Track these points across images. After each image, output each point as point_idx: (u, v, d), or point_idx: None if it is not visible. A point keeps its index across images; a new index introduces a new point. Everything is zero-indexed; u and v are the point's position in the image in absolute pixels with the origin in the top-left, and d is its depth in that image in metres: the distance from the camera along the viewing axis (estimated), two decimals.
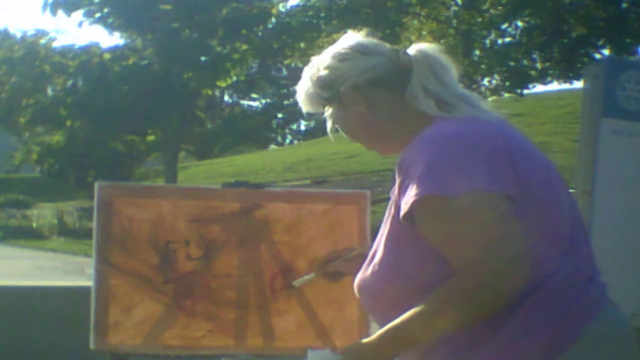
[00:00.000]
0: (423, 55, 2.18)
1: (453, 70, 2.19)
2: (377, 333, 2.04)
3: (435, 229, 1.94)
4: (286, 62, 33.61)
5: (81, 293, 3.99)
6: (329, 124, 2.30)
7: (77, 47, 27.20)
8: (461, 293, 1.89)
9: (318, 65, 2.23)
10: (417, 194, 1.94)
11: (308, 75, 2.25)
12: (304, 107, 2.30)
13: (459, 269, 1.89)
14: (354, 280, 2.23)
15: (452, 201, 1.91)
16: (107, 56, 26.17)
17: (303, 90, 2.26)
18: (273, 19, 27.02)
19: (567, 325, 1.96)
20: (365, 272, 2.17)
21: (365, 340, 2.05)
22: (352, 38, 2.23)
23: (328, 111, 2.28)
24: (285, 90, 55.59)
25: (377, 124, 2.19)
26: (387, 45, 2.24)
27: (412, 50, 2.20)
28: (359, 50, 2.19)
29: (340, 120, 2.26)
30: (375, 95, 2.17)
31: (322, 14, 25.09)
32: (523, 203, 1.96)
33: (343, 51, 2.20)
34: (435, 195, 1.92)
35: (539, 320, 1.94)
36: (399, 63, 2.18)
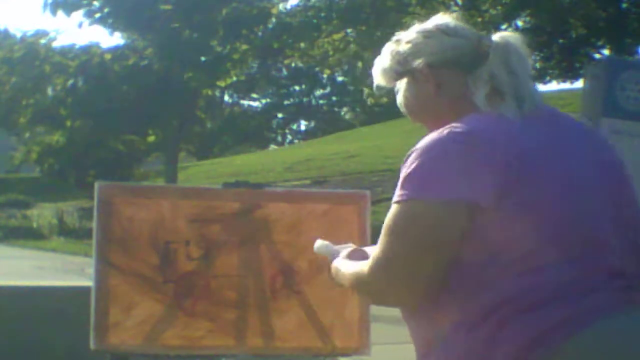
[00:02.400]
0: (503, 42, 2.17)
1: (529, 63, 2.18)
2: (347, 263, 2.21)
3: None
4: (286, 62, 33.61)
5: (81, 293, 3.99)
6: (399, 98, 2.29)
7: (77, 47, 27.18)
8: (363, 286, 2.10)
9: (402, 39, 2.25)
10: (395, 197, 2.02)
11: (389, 50, 2.26)
12: (376, 80, 2.31)
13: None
14: None
15: (399, 205, 2.00)
16: (107, 56, 26.15)
17: (380, 64, 2.29)
18: (273, 19, 27.01)
19: (535, 342, 1.94)
20: None
21: (342, 260, 2.25)
22: (440, 18, 2.26)
23: (399, 84, 2.28)
24: (285, 90, 55.60)
25: (439, 105, 2.19)
26: (474, 30, 2.25)
27: (495, 36, 2.21)
28: (443, 30, 2.21)
29: (406, 96, 2.26)
30: (446, 77, 2.17)
31: (322, 14, 25.08)
32: (509, 211, 1.96)
33: (428, 28, 2.23)
34: (396, 201, 2.02)
35: (506, 335, 1.95)
36: (479, 48, 2.18)
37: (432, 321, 2.05)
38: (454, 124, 2.04)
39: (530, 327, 1.94)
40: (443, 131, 2.02)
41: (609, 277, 2.02)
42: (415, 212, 1.97)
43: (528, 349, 1.93)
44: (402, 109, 2.30)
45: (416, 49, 2.20)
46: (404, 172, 2.01)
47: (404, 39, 2.24)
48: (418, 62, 2.18)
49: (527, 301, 1.95)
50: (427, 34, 2.21)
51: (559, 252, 1.98)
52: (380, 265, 2.01)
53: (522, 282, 1.96)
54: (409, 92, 2.24)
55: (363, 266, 2.08)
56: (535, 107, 2.11)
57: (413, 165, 2.00)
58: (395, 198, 2.00)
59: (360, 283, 2.10)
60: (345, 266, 2.19)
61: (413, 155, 2.02)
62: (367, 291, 2.10)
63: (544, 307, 1.95)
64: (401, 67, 2.22)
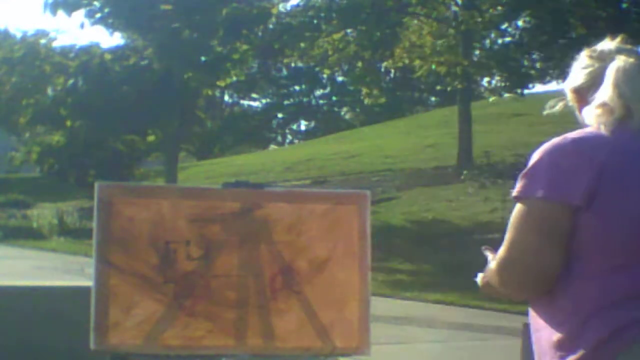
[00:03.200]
0: (617, 65, 2.30)
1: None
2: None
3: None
4: (285, 61, 33.61)
5: (81, 293, 4.00)
6: (559, 106, 2.49)
7: (77, 47, 27.18)
8: (493, 279, 2.31)
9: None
10: (513, 192, 2.27)
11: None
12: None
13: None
14: None
15: (519, 202, 2.24)
16: (107, 56, 26.15)
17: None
18: (273, 19, 27.02)
19: (610, 338, 2.11)
20: None
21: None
22: (601, 43, 2.44)
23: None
24: (285, 90, 55.60)
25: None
26: (625, 50, 2.38)
27: (617, 58, 2.35)
28: (589, 54, 2.41)
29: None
30: (585, 99, 2.34)
31: (322, 14, 25.08)
32: (595, 212, 2.14)
33: (581, 53, 2.44)
34: (514, 196, 2.27)
35: (586, 330, 2.14)
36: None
37: (544, 313, 2.25)
38: (569, 133, 2.25)
39: (607, 324, 2.11)
40: (559, 138, 2.25)
41: None
42: (526, 210, 2.20)
43: (604, 343, 2.10)
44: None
45: (570, 74, 2.43)
46: (525, 168, 2.25)
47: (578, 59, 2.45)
48: (569, 87, 2.42)
49: (605, 300, 2.13)
50: (577, 59, 2.43)
51: (633, 255, 2.15)
52: (502, 258, 2.25)
53: (602, 281, 2.15)
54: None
55: (493, 262, 2.32)
56: None
57: (530, 164, 2.24)
58: (513, 192, 2.25)
59: (491, 276, 2.32)
60: (491, 264, 2.37)
61: (534, 155, 2.25)
62: (497, 283, 2.29)
63: (621, 306, 2.12)
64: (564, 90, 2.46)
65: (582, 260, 2.17)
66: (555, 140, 2.25)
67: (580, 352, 2.12)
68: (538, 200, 2.18)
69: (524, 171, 2.24)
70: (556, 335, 2.18)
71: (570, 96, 2.43)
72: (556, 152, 2.22)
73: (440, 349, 9.60)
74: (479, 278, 2.47)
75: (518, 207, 2.23)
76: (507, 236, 2.24)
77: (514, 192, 2.24)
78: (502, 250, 2.26)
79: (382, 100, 29.04)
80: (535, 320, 2.28)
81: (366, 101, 29.44)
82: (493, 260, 2.36)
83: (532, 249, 2.18)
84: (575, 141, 2.22)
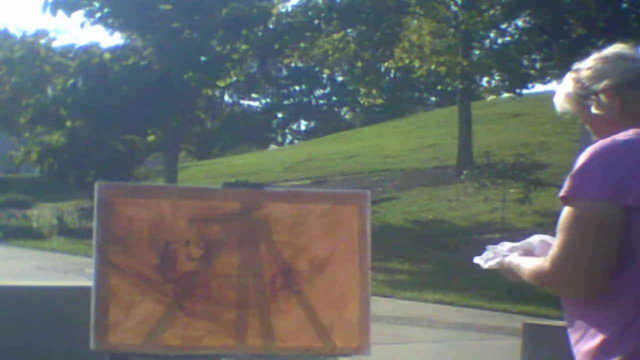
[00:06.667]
0: None
1: None
2: (528, 259, 2.41)
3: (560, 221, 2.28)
4: (285, 61, 33.62)
5: (81, 293, 4.00)
6: (582, 121, 2.49)
7: (77, 47, 27.18)
8: (544, 279, 2.30)
9: (581, 67, 2.47)
10: (561, 192, 2.27)
11: (570, 77, 2.51)
12: (559, 107, 2.53)
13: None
14: None
15: (568, 203, 2.24)
16: (107, 56, 26.15)
17: (562, 90, 2.52)
18: (273, 19, 27.04)
19: None
20: None
21: (522, 257, 2.44)
22: (617, 47, 2.46)
23: (580, 109, 2.46)
24: (285, 90, 55.61)
25: (624, 120, 2.36)
26: None
27: None
28: (621, 55, 2.42)
29: (591, 116, 2.44)
30: (629, 95, 2.37)
31: (323, 14, 25.07)
32: None
33: (606, 54, 2.44)
34: (562, 196, 2.27)
35: (633, 330, 2.14)
36: None
37: (588, 316, 2.25)
38: (616, 136, 2.26)
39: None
40: (607, 140, 2.25)
41: None
42: (578, 212, 2.21)
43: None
44: (588, 128, 2.49)
45: (598, 74, 2.42)
46: (574, 168, 2.25)
47: (583, 67, 2.47)
48: (603, 84, 2.39)
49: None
50: (606, 60, 2.42)
51: None
52: (556, 258, 2.24)
53: None
54: (596, 114, 2.43)
55: (544, 261, 2.30)
56: None
57: (578, 165, 2.24)
58: (561, 192, 2.25)
59: (541, 276, 2.30)
60: (526, 262, 2.40)
61: (581, 156, 2.25)
62: (548, 283, 2.30)
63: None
64: (584, 91, 2.44)
65: (631, 262, 2.17)
66: (604, 142, 2.25)
67: (618, 357, 2.12)
68: (590, 201, 2.19)
69: (573, 172, 2.24)
70: (598, 338, 2.17)
71: (606, 93, 2.41)
72: (607, 154, 2.22)
73: (440, 349, 9.60)
74: (482, 261, 2.48)
75: (568, 208, 2.23)
76: (559, 237, 2.24)
77: (562, 192, 2.24)
78: (553, 251, 2.25)
79: (379, 101, 29.03)
80: (578, 327, 2.28)
81: (363, 101, 29.45)
82: (514, 255, 2.41)
83: (585, 250, 2.19)
84: (626, 143, 2.24)
